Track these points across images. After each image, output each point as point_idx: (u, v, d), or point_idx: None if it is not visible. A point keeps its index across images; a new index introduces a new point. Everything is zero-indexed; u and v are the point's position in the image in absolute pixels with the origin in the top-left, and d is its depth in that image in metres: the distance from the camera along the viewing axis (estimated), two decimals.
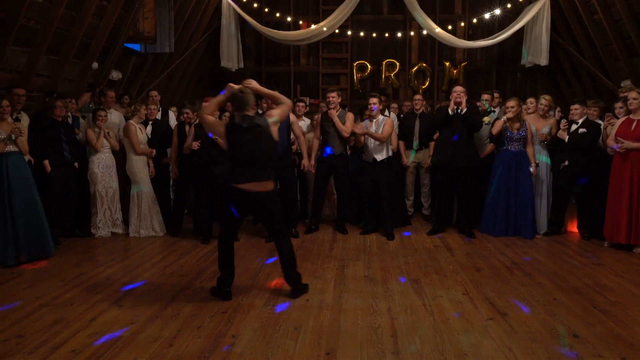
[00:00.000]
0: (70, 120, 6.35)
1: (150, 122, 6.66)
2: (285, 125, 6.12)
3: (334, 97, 6.30)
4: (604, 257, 5.40)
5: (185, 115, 6.33)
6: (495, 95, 7.23)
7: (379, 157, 6.23)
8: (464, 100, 6.10)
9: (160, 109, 7.28)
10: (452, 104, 6.12)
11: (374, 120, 6.24)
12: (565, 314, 3.83)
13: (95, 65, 7.15)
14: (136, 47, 8.36)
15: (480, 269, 4.98)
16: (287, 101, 4.28)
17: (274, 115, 4.13)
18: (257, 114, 4.17)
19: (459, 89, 6.21)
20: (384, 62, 10.71)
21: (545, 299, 4.16)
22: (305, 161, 6.26)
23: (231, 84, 4.17)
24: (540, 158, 6.32)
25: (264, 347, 3.31)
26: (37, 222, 5.24)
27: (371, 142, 6.25)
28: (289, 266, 4.21)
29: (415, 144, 7.15)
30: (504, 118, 6.21)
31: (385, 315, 3.83)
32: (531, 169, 6.13)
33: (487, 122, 6.53)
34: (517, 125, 6.15)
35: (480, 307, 3.99)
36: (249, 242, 6.03)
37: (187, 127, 6.25)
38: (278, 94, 4.31)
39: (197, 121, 6.10)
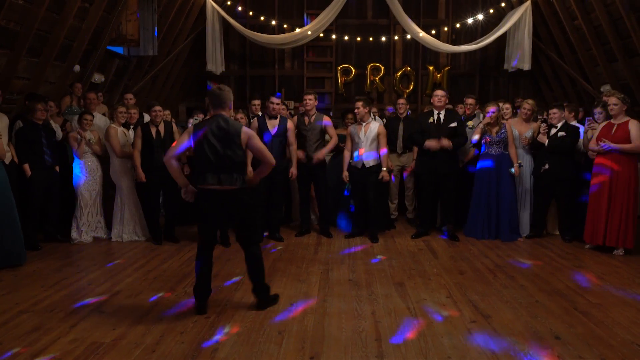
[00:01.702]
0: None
1: (132, 126, 6.57)
2: (282, 131, 6.14)
3: (310, 99, 6.33)
4: (584, 259, 5.48)
5: (157, 112, 6.08)
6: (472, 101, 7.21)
7: (369, 163, 6.19)
8: (444, 103, 6.19)
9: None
10: (433, 146, 6.10)
11: (363, 124, 6.22)
12: (547, 316, 3.87)
13: (77, 67, 7.07)
14: (119, 49, 8.29)
15: (464, 272, 5.02)
16: (269, 162, 3.99)
17: (250, 137, 3.91)
18: (229, 118, 4.05)
19: (440, 92, 6.26)
20: (369, 66, 10.77)
21: (528, 301, 4.21)
22: (293, 169, 6.24)
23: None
24: (524, 161, 6.39)
25: (247, 352, 3.29)
26: (12, 228, 5.08)
27: (361, 148, 6.18)
28: (257, 276, 4.03)
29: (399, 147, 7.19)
30: (480, 125, 6.26)
31: (369, 318, 3.84)
32: (512, 170, 6.19)
33: (471, 126, 6.60)
34: (496, 128, 6.22)
35: (463, 309, 4.02)
36: (232, 247, 5.99)
37: (153, 128, 6.10)
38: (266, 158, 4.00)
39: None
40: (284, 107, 7.17)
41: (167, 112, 7.00)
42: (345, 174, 6.30)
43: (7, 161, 5.41)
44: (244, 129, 3.92)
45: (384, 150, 6.20)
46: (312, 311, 3.98)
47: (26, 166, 5.73)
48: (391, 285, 4.60)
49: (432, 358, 3.22)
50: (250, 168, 6.00)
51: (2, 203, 5.04)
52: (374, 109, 8.31)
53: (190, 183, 4.06)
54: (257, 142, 3.98)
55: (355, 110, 6.21)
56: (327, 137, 6.58)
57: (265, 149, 4.03)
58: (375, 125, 6.20)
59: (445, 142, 6.07)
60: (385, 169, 6.18)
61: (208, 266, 4.00)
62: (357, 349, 3.34)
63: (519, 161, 6.25)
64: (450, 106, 6.65)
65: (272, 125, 6.14)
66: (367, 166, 6.19)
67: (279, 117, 6.21)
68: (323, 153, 6.35)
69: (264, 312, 3.96)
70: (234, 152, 3.86)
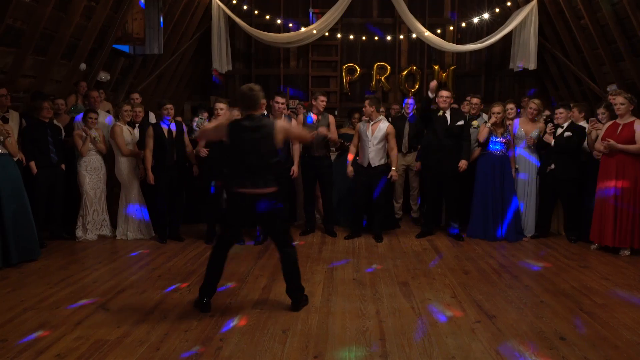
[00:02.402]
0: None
1: (137, 125, 6.55)
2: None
3: (323, 100, 6.37)
4: (590, 259, 5.45)
5: (169, 110, 6.07)
6: (477, 101, 7.17)
7: (375, 162, 6.15)
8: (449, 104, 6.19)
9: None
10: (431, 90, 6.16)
11: (371, 123, 6.15)
12: (552, 317, 3.86)
13: (83, 66, 7.10)
14: (125, 48, 8.31)
15: (469, 272, 5.00)
16: (306, 139, 4.40)
17: (286, 127, 3.98)
18: (263, 116, 4.09)
19: (445, 93, 6.24)
20: (375, 66, 10.75)
21: (533, 301, 4.19)
22: (295, 167, 6.24)
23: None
24: (530, 160, 6.35)
25: (252, 351, 3.29)
26: (26, 225, 5.18)
27: (368, 147, 6.17)
28: (293, 278, 4.02)
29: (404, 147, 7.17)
30: (488, 125, 6.25)
31: (373, 318, 3.83)
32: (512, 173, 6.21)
33: (475, 125, 6.58)
34: (501, 130, 6.20)
35: (468, 309, 4.01)
36: (237, 244, 6.00)
37: (164, 127, 6.09)
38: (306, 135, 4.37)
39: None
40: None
41: None
42: (350, 169, 6.28)
43: (23, 159, 5.50)
44: (278, 123, 3.96)
45: (394, 150, 6.18)
46: (316, 310, 3.98)
47: (32, 164, 5.76)
48: (395, 285, 4.60)
49: (436, 358, 3.21)
50: None
51: (17, 200, 5.14)
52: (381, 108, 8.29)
53: (221, 185, 4.13)
54: (294, 130, 4.12)
55: (363, 109, 6.22)
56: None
57: (303, 132, 4.25)
58: (384, 125, 6.15)
59: (464, 165, 6.18)
60: (394, 168, 6.15)
61: (221, 265, 4.00)
62: (361, 348, 3.34)
63: (517, 165, 6.25)
64: (455, 105, 6.64)
65: None
66: (372, 165, 6.17)
67: (283, 116, 6.20)
68: (324, 131, 6.20)
69: (268, 311, 3.96)
70: (268, 153, 3.86)
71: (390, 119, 7.73)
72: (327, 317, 3.85)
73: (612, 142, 5.43)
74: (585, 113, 6.46)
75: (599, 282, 4.69)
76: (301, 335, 3.53)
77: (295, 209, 7.24)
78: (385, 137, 6.13)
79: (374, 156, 6.16)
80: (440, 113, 6.24)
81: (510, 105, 6.71)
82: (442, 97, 6.23)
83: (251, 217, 3.98)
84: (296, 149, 6.25)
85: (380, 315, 3.89)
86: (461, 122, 6.19)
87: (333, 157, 7.03)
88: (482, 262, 5.33)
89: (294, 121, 6.32)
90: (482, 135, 6.25)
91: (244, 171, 3.85)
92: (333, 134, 6.45)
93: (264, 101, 4.06)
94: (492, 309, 4.01)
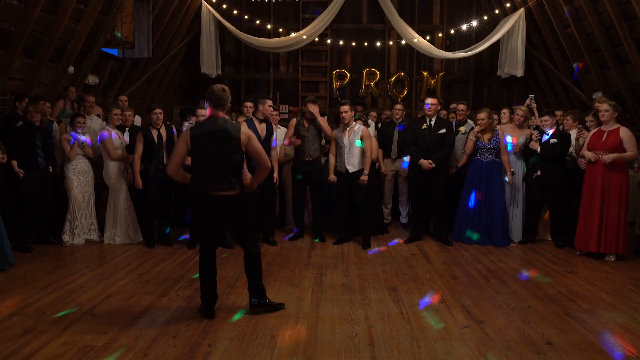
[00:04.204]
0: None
1: (127, 129, 6.51)
2: (268, 136, 6.10)
3: (314, 109, 6.36)
4: (576, 265, 5.51)
5: (158, 115, 6.02)
6: (463, 107, 7.21)
7: (352, 168, 6.14)
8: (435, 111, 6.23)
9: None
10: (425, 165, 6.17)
11: (348, 129, 6.20)
12: (539, 322, 3.89)
13: (71, 69, 7.04)
14: (114, 51, 8.27)
15: (457, 277, 5.03)
16: (266, 165, 3.99)
17: (250, 136, 3.88)
18: (229, 119, 4.02)
19: (430, 100, 6.27)
20: (364, 71, 10.81)
21: (520, 306, 4.23)
22: (275, 174, 6.21)
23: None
24: (517, 167, 6.41)
25: (240, 356, 3.28)
26: None
27: (344, 153, 6.16)
28: (254, 277, 4.04)
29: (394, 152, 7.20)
30: (472, 137, 6.28)
31: (362, 323, 3.84)
32: (507, 178, 6.24)
33: (463, 132, 6.63)
34: (488, 135, 6.25)
35: (456, 315, 4.03)
36: (225, 249, 5.98)
37: (154, 132, 6.05)
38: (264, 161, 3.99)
39: None
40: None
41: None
42: (332, 177, 6.28)
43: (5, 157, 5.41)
44: (243, 129, 3.90)
45: (367, 153, 6.12)
46: (305, 315, 3.97)
47: (14, 163, 5.64)
48: (384, 290, 4.61)
49: None
50: (248, 174, 5.99)
51: None
52: (372, 113, 8.32)
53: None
54: (256, 143, 3.96)
55: (344, 114, 6.12)
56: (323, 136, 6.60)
57: (263, 151, 4.02)
58: (359, 129, 6.15)
59: (423, 165, 6.18)
60: (367, 172, 6.08)
61: (212, 271, 3.98)
62: (350, 353, 3.34)
63: (512, 169, 6.28)
64: (445, 111, 6.68)
65: (262, 129, 6.07)
66: (350, 171, 6.15)
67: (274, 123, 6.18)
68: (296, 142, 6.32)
69: (257, 316, 3.95)
70: (232, 155, 3.81)
71: (379, 125, 7.77)
72: (316, 322, 3.85)
73: (605, 156, 5.46)
74: (579, 121, 6.54)
75: (585, 287, 4.74)
76: (290, 340, 3.53)
77: (284, 214, 7.24)
78: (361, 141, 6.13)
79: (351, 162, 6.14)
80: (425, 125, 6.27)
81: (504, 110, 6.77)
82: (426, 104, 6.27)
83: (219, 218, 3.91)
84: (275, 155, 6.21)
85: (369, 320, 3.90)
86: (443, 131, 6.22)
87: (323, 161, 7.02)
88: (470, 268, 5.36)
89: (280, 131, 6.27)
90: (469, 148, 6.31)
91: (208, 172, 3.80)
92: (327, 130, 6.46)
93: (229, 105, 4.01)
94: (480, 314, 4.03)
